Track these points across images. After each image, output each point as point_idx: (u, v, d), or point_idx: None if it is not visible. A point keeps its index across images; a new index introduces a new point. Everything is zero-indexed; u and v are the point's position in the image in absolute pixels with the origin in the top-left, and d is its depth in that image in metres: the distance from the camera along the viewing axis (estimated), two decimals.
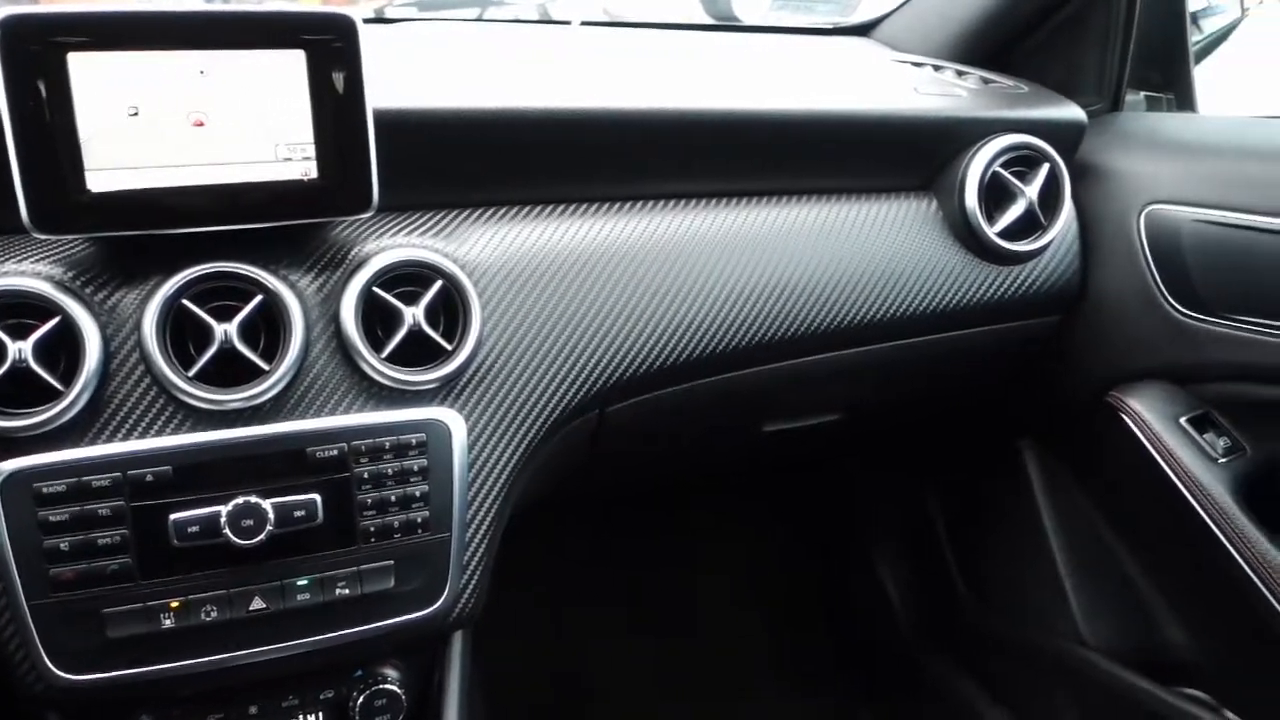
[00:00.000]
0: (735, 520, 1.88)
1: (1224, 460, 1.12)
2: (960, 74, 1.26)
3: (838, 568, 1.80)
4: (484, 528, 0.90)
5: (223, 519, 0.77)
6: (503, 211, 0.95)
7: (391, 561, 0.84)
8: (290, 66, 0.75)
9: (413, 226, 0.90)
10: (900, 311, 1.11)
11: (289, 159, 0.77)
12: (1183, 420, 1.15)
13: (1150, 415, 1.16)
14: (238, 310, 0.78)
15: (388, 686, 0.90)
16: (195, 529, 0.76)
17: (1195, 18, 1.59)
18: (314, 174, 0.78)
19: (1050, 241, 1.16)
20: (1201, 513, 1.10)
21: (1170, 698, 1.21)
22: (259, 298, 0.79)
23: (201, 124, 0.74)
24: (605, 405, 1.00)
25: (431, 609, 0.87)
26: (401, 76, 0.94)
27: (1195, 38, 1.54)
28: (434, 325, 0.86)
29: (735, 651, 1.78)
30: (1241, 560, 1.07)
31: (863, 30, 1.46)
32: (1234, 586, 1.08)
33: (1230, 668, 1.23)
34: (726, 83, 1.14)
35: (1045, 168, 1.15)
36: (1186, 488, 1.12)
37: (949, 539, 1.59)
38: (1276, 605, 1.03)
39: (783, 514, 1.88)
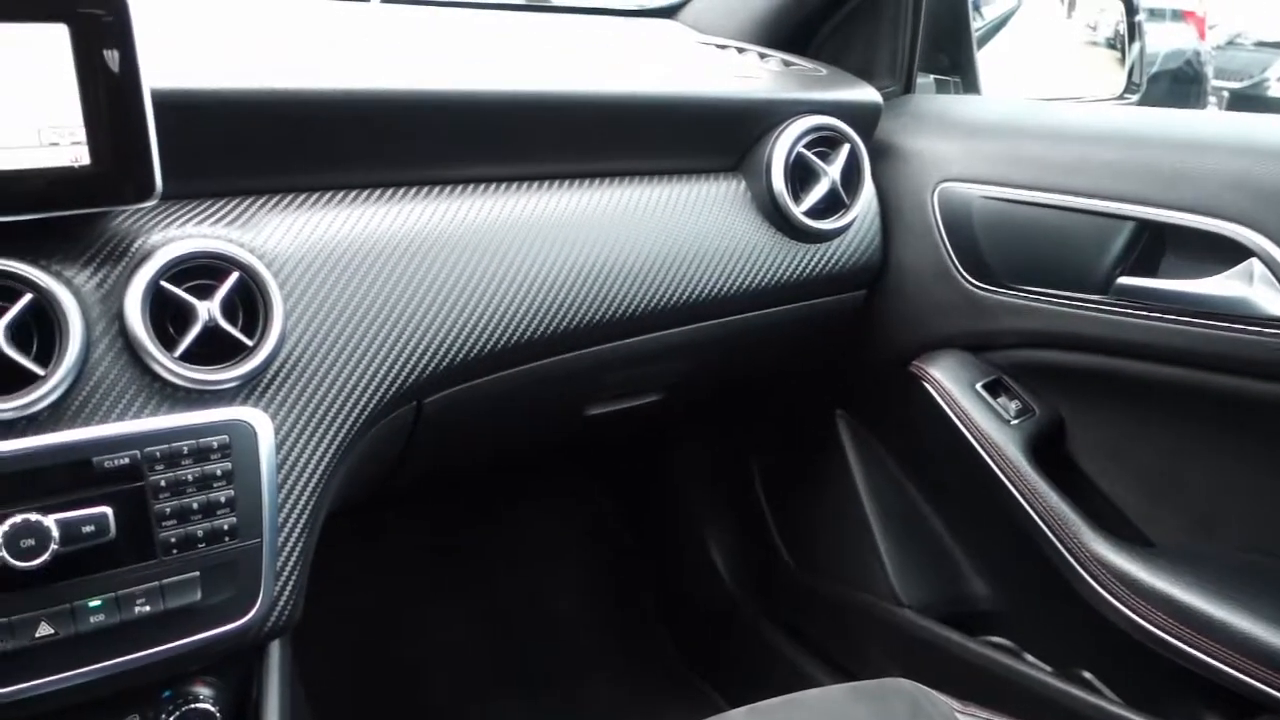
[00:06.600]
0: (562, 501, 1.88)
1: (1015, 422, 1.20)
2: (762, 56, 1.29)
3: (667, 543, 1.83)
4: (298, 531, 0.85)
5: None
6: (303, 198, 0.90)
7: (197, 573, 0.78)
8: (52, 42, 0.68)
9: (204, 215, 0.84)
10: (714, 291, 1.12)
11: (55, 144, 0.70)
12: (978, 386, 1.22)
13: (948, 382, 1.22)
14: (3, 311, 0.71)
15: (200, 705, 0.84)
16: None
17: (977, 4, 1.69)
18: (85, 160, 0.71)
19: (853, 219, 1.21)
20: (997, 471, 1.18)
21: (976, 646, 1.29)
22: (28, 297, 0.72)
23: None
24: (422, 397, 0.97)
25: (244, 620, 0.82)
26: (186, 54, 0.88)
27: (977, 24, 1.64)
28: (232, 320, 0.80)
29: (568, 633, 1.78)
30: (1033, 513, 1.14)
31: (668, 13, 1.47)
32: (1027, 538, 1.16)
33: (1028, 614, 1.32)
34: (535, 64, 1.13)
35: (846, 148, 1.20)
36: (983, 448, 1.19)
37: (772, 508, 1.64)
38: (1064, 553, 1.11)
39: (610, 491, 1.89)
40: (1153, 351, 1.08)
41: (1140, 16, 1.74)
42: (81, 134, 0.71)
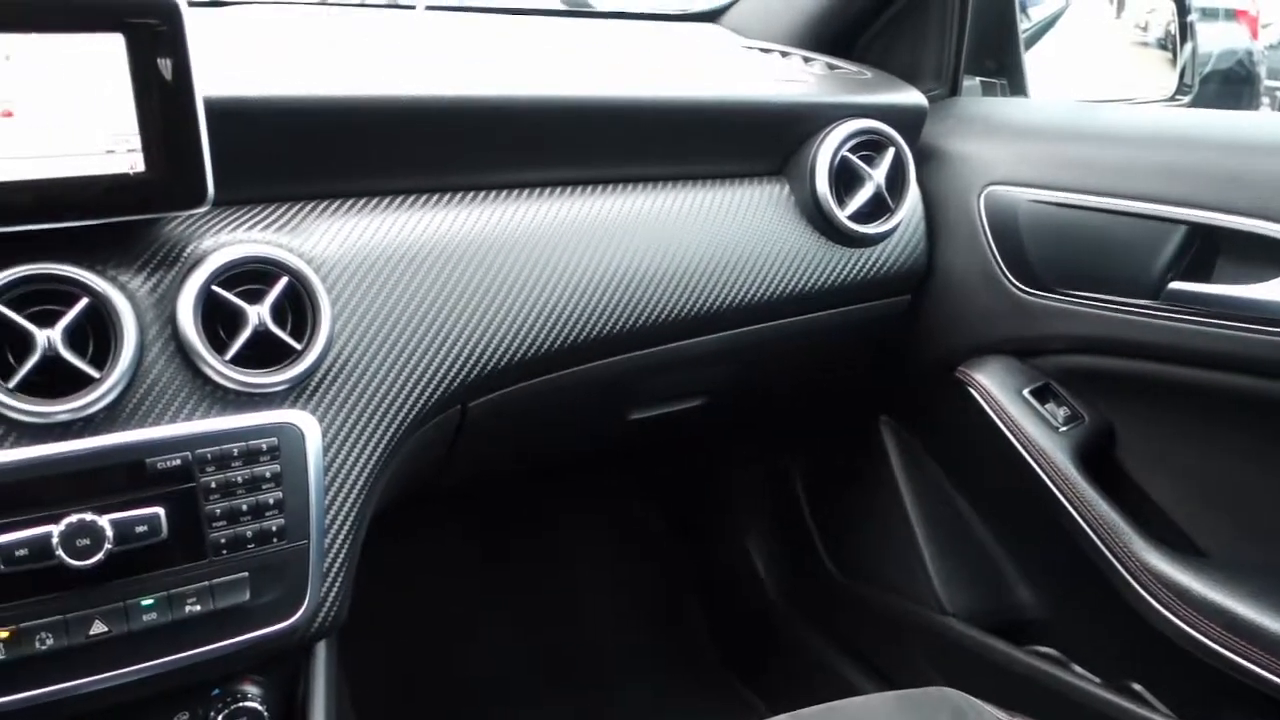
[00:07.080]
0: (604, 504, 1.88)
1: (1064, 429, 1.18)
2: (806, 60, 1.29)
3: (709, 547, 1.82)
4: (344, 532, 0.86)
5: (55, 539, 0.71)
6: (350, 203, 0.91)
7: (246, 573, 0.80)
8: (109, 52, 0.70)
9: (253, 221, 0.85)
10: (759, 295, 1.12)
11: (112, 151, 0.71)
12: (1025, 392, 1.20)
13: (995, 388, 1.21)
14: (61, 315, 0.73)
15: (248, 704, 0.86)
16: (24, 552, 0.70)
17: (1024, 6, 1.67)
18: (141, 167, 0.72)
19: (898, 223, 1.20)
20: (1045, 479, 1.16)
21: (1023, 655, 1.27)
22: (85, 301, 0.74)
23: (10, 114, 0.68)
24: (467, 400, 0.98)
25: (292, 620, 0.83)
26: (236, 62, 0.89)
27: (1024, 25, 1.61)
28: (281, 324, 0.82)
29: (609, 636, 1.78)
30: (1082, 521, 1.13)
31: (711, 17, 1.47)
32: (1076, 547, 1.14)
33: (1075, 624, 1.30)
34: (579, 69, 1.13)
35: (891, 152, 1.19)
36: (1031, 456, 1.17)
37: (814, 513, 1.63)
38: (1114, 562, 1.09)
39: (651, 495, 1.89)
40: (1205, 358, 1.06)
41: (1192, 16, 1.71)
42: (137, 141, 0.72)
